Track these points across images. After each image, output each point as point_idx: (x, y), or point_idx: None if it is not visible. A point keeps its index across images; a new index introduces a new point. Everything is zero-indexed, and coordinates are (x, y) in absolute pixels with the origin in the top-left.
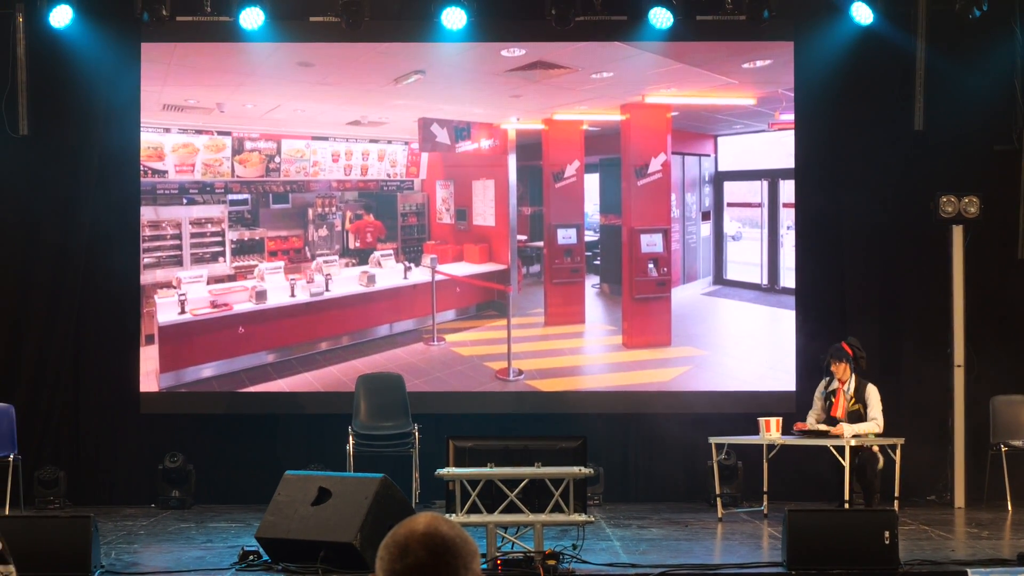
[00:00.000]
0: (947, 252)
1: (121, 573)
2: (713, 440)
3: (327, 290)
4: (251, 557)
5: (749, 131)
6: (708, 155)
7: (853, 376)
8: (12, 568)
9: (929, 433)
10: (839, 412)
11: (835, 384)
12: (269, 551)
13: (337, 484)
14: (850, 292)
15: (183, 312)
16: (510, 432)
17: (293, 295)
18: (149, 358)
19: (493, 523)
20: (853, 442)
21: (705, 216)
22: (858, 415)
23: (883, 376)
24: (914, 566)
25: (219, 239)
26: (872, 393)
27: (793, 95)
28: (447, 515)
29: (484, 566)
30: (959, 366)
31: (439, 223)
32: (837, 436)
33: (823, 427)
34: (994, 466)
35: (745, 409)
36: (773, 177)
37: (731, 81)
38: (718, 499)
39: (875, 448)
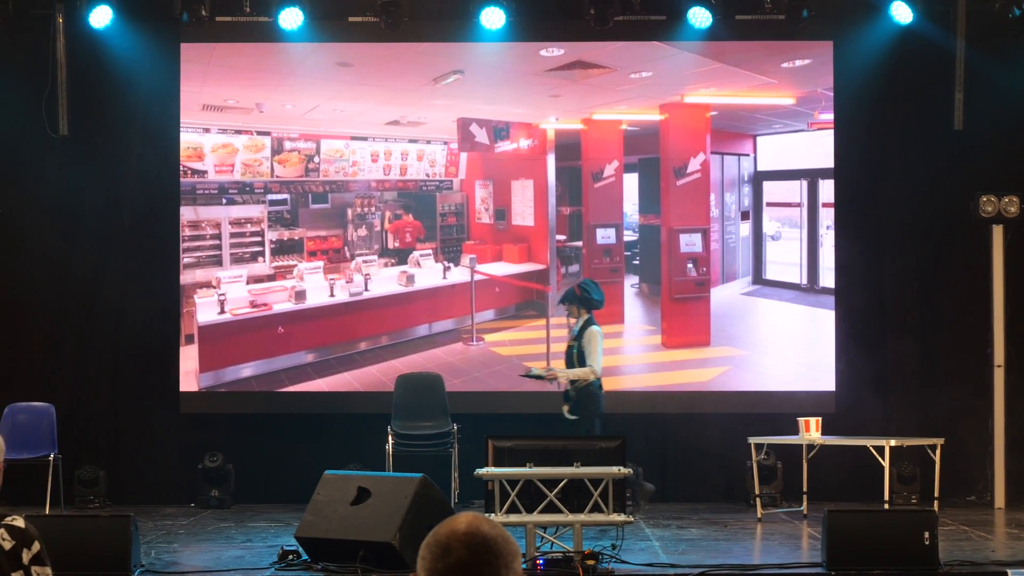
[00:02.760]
0: (987, 252)
1: (161, 572)
2: (752, 440)
3: (366, 290)
4: (290, 557)
5: (788, 131)
6: (747, 155)
7: (581, 317)
8: (49, 570)
9: (969, 433)
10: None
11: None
12: (308, 551)
13: (376, 484)
14: (889, 292)
15: (223, 312)
16: (549, 432)
17: (332, 295)
18: (189, 358)
19: (532, 523)
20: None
21: (744, 216)
22: (571, 353)
23: (922, 376)
24: (954, 567)
25: (258, 239)
26: (590, 338)
27: (832, 95)
28: (487, 515)
29: (524, 566)
30: (999, 366)
31: (478, 223)
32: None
33: (540, 370)
34: None
35: (784, 409)
36: (812, 177)
37: (770, 81)
38: (757, 499)
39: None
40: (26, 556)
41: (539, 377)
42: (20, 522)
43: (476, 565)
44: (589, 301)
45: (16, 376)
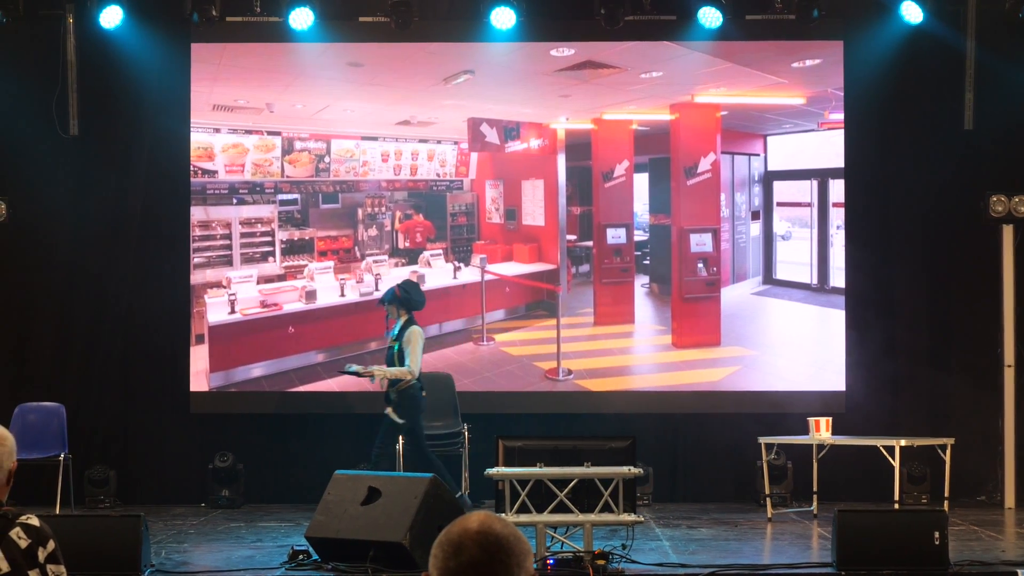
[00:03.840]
0: (997, 251)
1: (171, 572)
2: (763, 440)
3: (377, 290)
4: (301, 557)
5: (799, 130)
6: (757, 155)
7: (401, 318)
8: (63, 569)
9: (979, 433)
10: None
11: None
12: (319, 550)
13: (387, 484)
14: (899, 291)
15: (233, 312)
16: (559, 432)
17: (343, 295)
18: (199, 358)
19: (543, 523)
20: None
21: (754, 216)
22: (391, 353)
23: (932, 375)
24: (964, 567)
25: (269, 239)
26: (411, 338)
27: (843, 94)
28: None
29: (535, 566)
30: (1009, 366)
31: (488, 223)
32: None
33: (360, 368)
34: None
35: (795, 409)
36: (823, 177)
37: (781, 80)
38: (767, 499)
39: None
40: (41, 554)
41: (357, 374)
42: (35, 521)
43: (488, 564)
44: (410, 302)
45: (26, 376)
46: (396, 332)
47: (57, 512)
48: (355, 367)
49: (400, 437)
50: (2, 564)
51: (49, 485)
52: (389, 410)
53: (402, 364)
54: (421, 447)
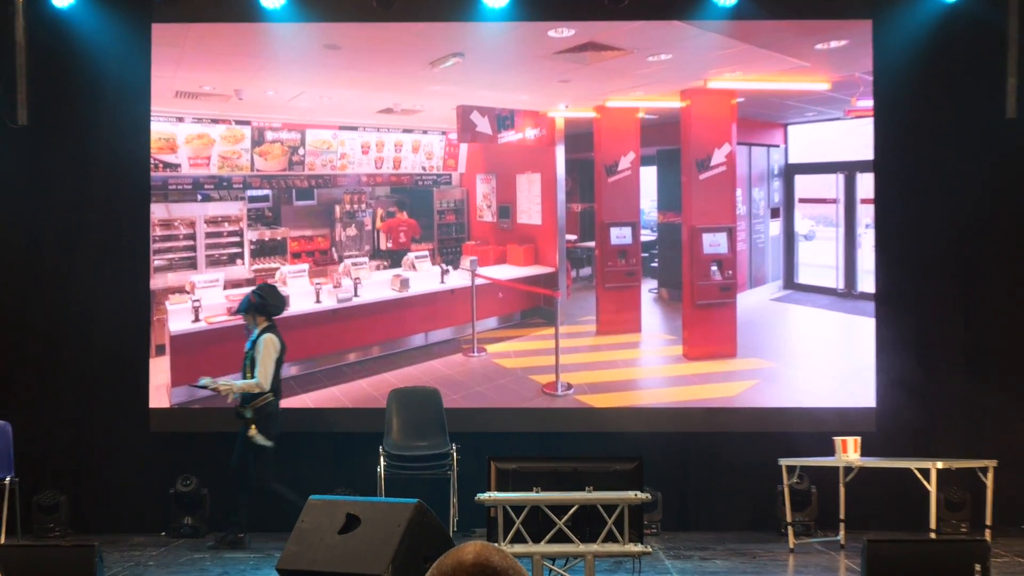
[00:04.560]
0: None
1: None
2: (784, 462)
3: (356, 295)
4: None
5: (823, 119)
6: (777, 146)
7: (259, 325)
8: None
9: (1022, 453)
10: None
11: None
12: None
13: (367, 510)
14: (935, 297)
15: (197, 320)
16: (558, 453)
17: (318, 301)
18: (160, 371)
19: (539, 554)
20: None
21: (774, 213)
22: (253, 364)
23: (972, 390)
24: None
25: (237, 239)
26: (264, 345)
27: (872, 79)
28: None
29: None
30: None
31: (480, 221)
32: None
33: (209, 381)
34: None
35: (819, 428)
36: (849, 170)
37: (803, 64)
38: (789, 527)
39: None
40: None
41: (205, 387)
42: None
43: None
44: (266, 307)
45: None
46: (251, 341)
47: (2, 542)
48: (205, 380)
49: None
50: None
51: None
52: (254, 430)
53: (253, 376)
54: (269, 472)
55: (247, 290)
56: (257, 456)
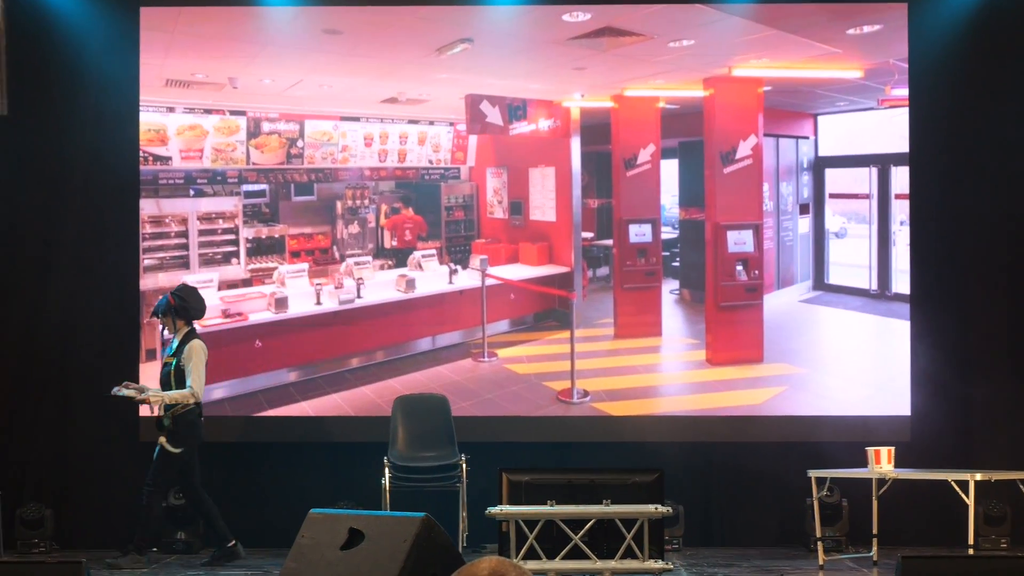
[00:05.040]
0: None
1: None
2: (813, 473)
3: (359, 297)
4: None
5: (855, 109)
6: (807, 137)
7: (180, 330)
8: None
9: None
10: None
11: None
12: None
13: (371, 525)
14: (975, 298)
15: None
16: (573, 464)
17: (319, 303)
18: (150, 377)
19: (554, 571)
20: None
21: (803, 209)
22: (181, 374)
23: (1014, 398)
24: None
25: (232, 237)
26: (191, 353)
27: (907, 66)
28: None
29: None
30: None
31: (490, 218)
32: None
33: (131, 392)
34: None
35: (850, 437)
36: (883, 163)
37: (834, 50)
38: (819, 543)
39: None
40: None
41: (129, 399)
42: None
43: None
44: (187, 310)
45: None
46: (173, 347)
47: None
48: (125, 390)
49: (177, 470)
50: None
51: None
52: (163, 440)
53: (181, 385)
54: (193, 483)
55: (245, 291)
56: (161, 459)
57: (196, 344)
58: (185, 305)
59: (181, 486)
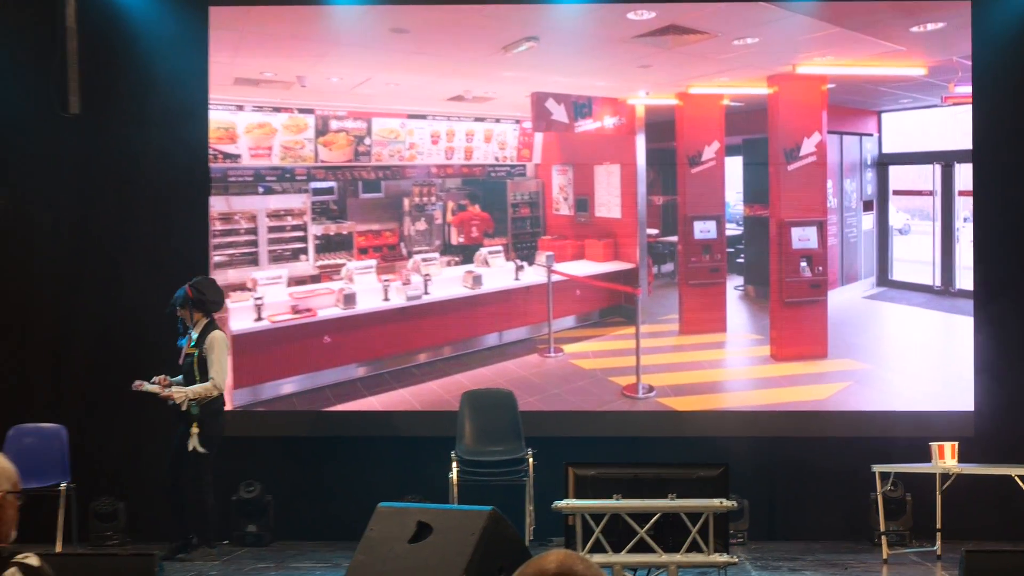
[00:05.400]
0: None
1: None
2: (877, 468)
3: (426, 293)
4: None
5: (918, 106)
6: (870, 134)
7: (199, 322)
8: None
9: None
10: (182, 359)
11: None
12: None
13: (438, 518)
14: None
15: (260, 319)
16: (639, 458)
17: (386, 299)
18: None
19: (620, 564)
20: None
21: (867, 206)
22: (190, 361)
23: None
24: None
25: (301, 234)
26: (213, 343)
27: (970, 64)
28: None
29: None
30: None
31: (556, 215)
32: None
33: (154, 388)
34: None
35: (915, 432)
36: (947, 160)
37: (897, 48)
38: (883, 537)
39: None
40: None
41: (155, 395)
42: (34, 560)
43: None
44: (205, 303)
45: (22, 393)
46: (194, 338)
47: (58, 550)
48: (149, 385)
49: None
50: None
51: (48, 519)
52: (195, 443)
53: (203, 377)
54: (206, 477)
55: (313, 287)
56: (196, 462)
57: (217, 335)
58: (203, 298)
59: (195, 475)
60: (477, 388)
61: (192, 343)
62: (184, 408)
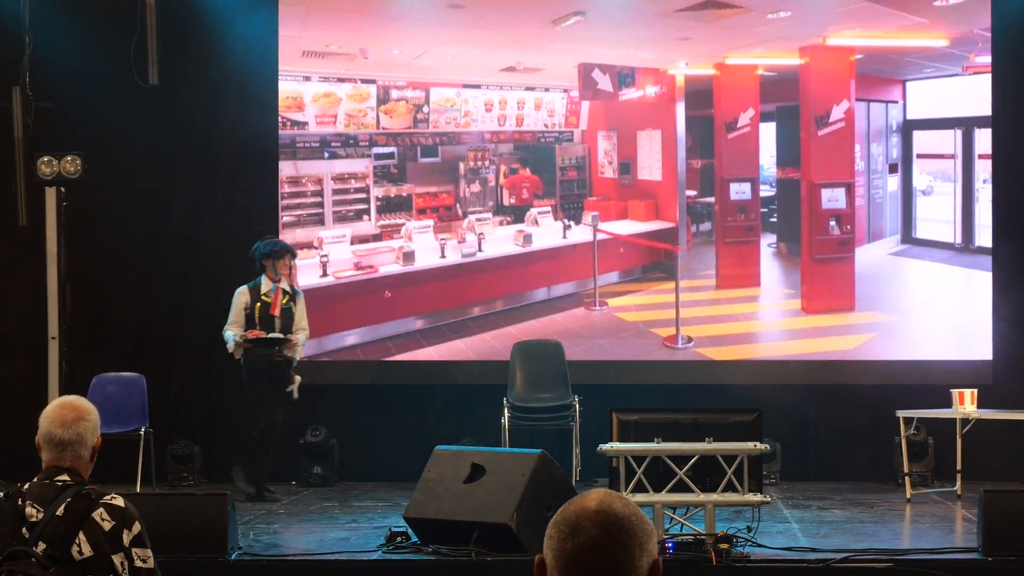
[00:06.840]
0: None
1: (260, 555)
2: (901, 414)
3: (480, 251)
4: (399, 539)
5: (941, 75)
6: (896, 102)
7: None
8: (150, 553)
9: None
10: (277, 310)
11: (267, 286)
12: (418, 532)
13: (491, 460)
14: None
15: (325, 275)
16: (678, 404)
17: (443, 256)
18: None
19: (661, 503)
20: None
21: (892, 169)
22: (290, 313)
23: None
24: None
25: (363, 196)
26: (300, 297)
27: (990, 35)
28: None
29: None
30: None
31: (601, 177)
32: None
33: (276, 335)
34: None
35: (936, 380)
36: (968, 126)
37: (921, 20)
38: (907, 478)
39: None
40: (126, 537)
41: (274, 341)
42: (120, 501)
43: (608, 546)
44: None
45: (104, 344)
46: (284, 288)
47: (138, 490)
48: (275, 334)
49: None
50: (84, 547)
51: (129, 461)
52: (296, 382)
53: (287, 328)
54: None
55: (375, 245)
56: (287, 407)
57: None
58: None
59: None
60: (527, 339)
61: (286, 294)
62: (292, 355)
